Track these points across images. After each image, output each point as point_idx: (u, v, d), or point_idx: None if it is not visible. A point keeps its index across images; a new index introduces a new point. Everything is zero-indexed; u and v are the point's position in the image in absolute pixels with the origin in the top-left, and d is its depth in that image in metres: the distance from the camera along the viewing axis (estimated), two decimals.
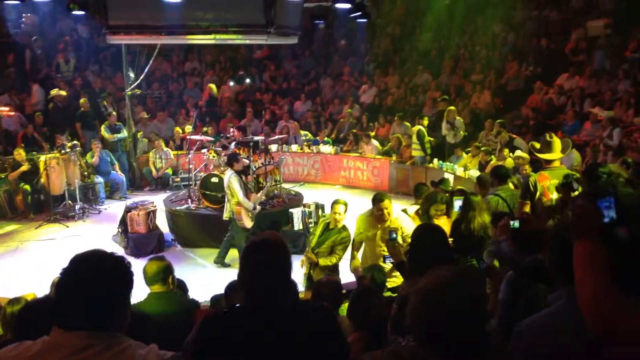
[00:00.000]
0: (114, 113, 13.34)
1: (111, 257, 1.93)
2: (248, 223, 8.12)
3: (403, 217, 5.91)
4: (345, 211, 6.17)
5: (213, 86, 16.38)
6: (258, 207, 8.42)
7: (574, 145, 9.17)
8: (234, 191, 8.02)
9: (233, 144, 10.37)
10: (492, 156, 10.72)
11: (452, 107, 12.58)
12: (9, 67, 15.15)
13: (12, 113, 13.42)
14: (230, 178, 8.06)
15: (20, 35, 16.03)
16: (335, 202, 6.22)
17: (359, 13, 10.20)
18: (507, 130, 11.60)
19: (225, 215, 8.41)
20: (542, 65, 14.06)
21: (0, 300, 4.93)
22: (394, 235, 4.52)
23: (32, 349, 1.81)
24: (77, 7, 9.53)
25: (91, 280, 1.84)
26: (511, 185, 6.46)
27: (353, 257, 6.05)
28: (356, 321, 2.98)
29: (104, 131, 12.99)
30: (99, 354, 1.79)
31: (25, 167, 11.10)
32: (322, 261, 6.08)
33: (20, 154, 11.24)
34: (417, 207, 6.38)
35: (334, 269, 6.20)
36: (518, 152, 9.95)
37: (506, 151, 10.38)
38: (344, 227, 6.16)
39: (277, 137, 13.14)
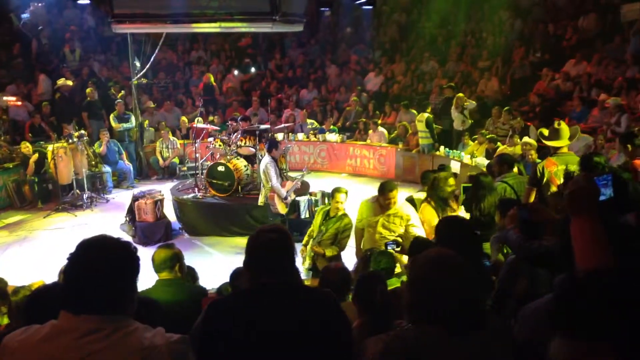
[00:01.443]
0: (121, 102, 13.35)
1: (118, 242, 1.96)
2: (282, 209, 8.18)
3: (407, 205, 5.90)
4: (346, 199, 6.18)
5: (210, 75, 16.36)
6: (292, 196, 8.44)
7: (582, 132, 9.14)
8: (269, 177, 8.07)
9: (236, 133, 10.33)
10: (499, 143, 10.66)
11: (460, 94, 12.50)
12: (15, 58, 15.20)
13: (20, 103, 13.47)
14: (267, 164, 8.10)
15: (26, 26, 16.05)
16: (336, 190, 6.22)
17: (365, 0, 10.14)
18: (514, 117, 11.53)
19: (260, 201, 8.49)
20: (549, 51, 13.95)
21: (9, 288, 4.97)
22: (390, 247, 4.56)
23: (41, 332, 1.84)
24: None
25: (98, 264, 1.87)
26: (516, 170, 6.44)
27: (358, 247, 6.06)
28: (361, 306, 2.99)
29: (112, 120, 13.03)
30: (107, 337, 1.82)
31: (35, 157, 11.15)
32: (329, 252, 6.09)
33: (27, 146, 11.30)
34: (423, 193, 6.37)
35: (337, 256, 6.22)
36: (525, 139, 9.90)
37: (516, 138, 10.33)
38: (345, 214, 6.18)
39: (283, 125, 13.14)
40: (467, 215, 5.57)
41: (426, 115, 12.32)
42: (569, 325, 1.57)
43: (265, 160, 8.15)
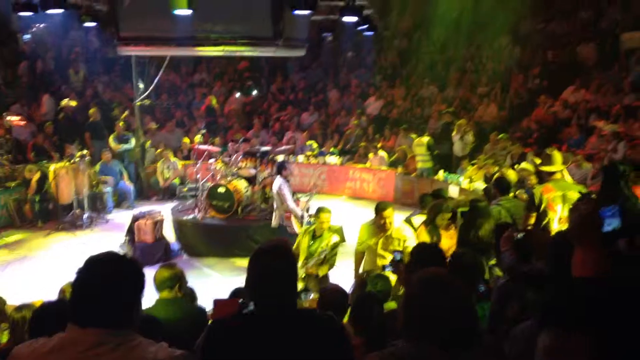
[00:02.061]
0: (121, 123, 13.44)
1: (124, 258, 2.04)
2: (299, 228, 8.24)
3: (405, 227, 5.97)
4: (330, 219, 6.36)
5: (213, 98, 16.54)
6: (307, 215, 8.52)
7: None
8: (283, 198, 8.14)
9: (237, 154, 10.46)
10: (497, 167, 10.75)
11: (463, 121, 12.65)
12: (20, 78, 15.37)
13: (23, 122, 13.58)
14: (280, 185, 8.19)
15: (31, 46, 16.26)
16: (321, 210, 6.36)
17: (366, 26, 10.31)
18: (512, 144, 11.64)
19: (274, 223, 8.52)
20: (548, 78, 14.11)
21: (8, 307, 5.00)
22: (399, 256, 4.58)
23: (48, 344, 1.91)
24: (89, 19, 9.75)
25: (105, 279, 1.94)
26: (511, 195, 6.52)
27: (356, 270, 6.11)
28: (358, 327, 3.03)
29: (112, 141, 13.12)
30: (112, 350, 1.88)
31: (37, 176, 11.21)
32: (322, 271, 6.17)
33: (31, 170, 11.37)
34: (422, 216, 6.44)
35: (326, 275, 6.32)
36: (523, 164, 9.98)
37: (505, 168, 10.38)
38: (329, 229, 6.31)
39: (284, 147, 13.24)
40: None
41: (426, 139, 12.45)
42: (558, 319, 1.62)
43: (278, 182, 8.26)
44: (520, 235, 3.67)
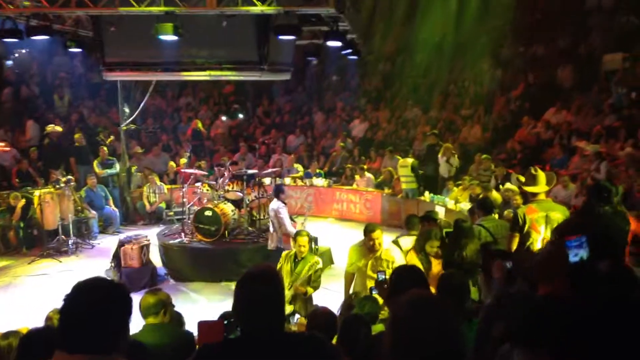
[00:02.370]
0: (105, 148, 13.40)
1: (112, 284, 2.06)
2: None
3: (393, 248, 6.01)
4: (308, 242, 6.43)
5: (199, 121, 16.61)
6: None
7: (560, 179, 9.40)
8: (281, 221, 8.16)
9: (223, 178, 10.47)
10: (481, 188, 10.85)
11: (449, 145, 12.80)
12: (3, 103, 15.32)
13: (7, 148, 13.50)
14: (278, 208, 8.21)
15: (15, 71, 16.25)
16: (298, 234, 6.44)
17: (350, 50, 10.45)
18: (496, 165, 11.79)
19: (272, 246, 8.51)
20: (530, 100, 14.36)
21: None
22: (382, 277, 4.61)
23: None
24: (74, 45, 9.77)
25: (93, 305, 1.95)
26: (495, 216, 6.58)
27: (346, 291, 6.13)
28: (345, 348, 3.04)
29: (96, 167, 13.05)
30: None
31: (22, 203, 11.12)
32: (310, 290, 6.28)
33: (17, 197, 11.28)
34: (409, 237, 6.48)
35: (310, 297, 6.37)
36: (507, 185, 10.10)
37: (490, 188, 10.48)
38: (309, 254, 6.41)
39: (270, 170, 13.28)
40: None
41: (410, 160, 12.58)
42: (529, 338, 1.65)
43: (276, 205, 8.29)
44: (509, 265, 3.75)
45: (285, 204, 8.49)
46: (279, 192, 8.57)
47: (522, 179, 6.15)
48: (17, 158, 13.42)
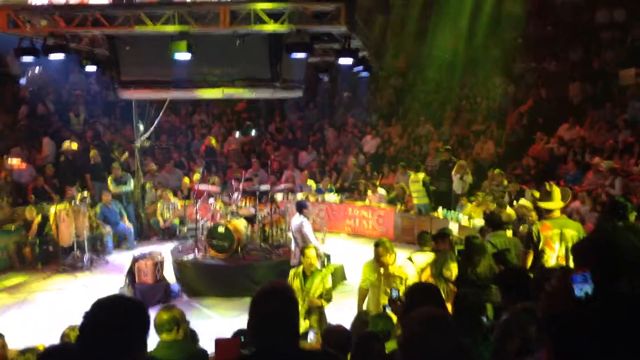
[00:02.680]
0: (116, 165, 13.51)
1: (130, 301, 2.10)
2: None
3: (407, 265, 6.00)
4: (316, 255, 6.50)
5: (213, 138, 16.75)
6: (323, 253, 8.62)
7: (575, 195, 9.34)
8: (306, 236, 8.20)
9: (236, 194, 10.54)
10: (495, 204, 10.81)
11: (462, 162, 12.78)
12: (20, 121, 15.56)
13: (24, 165, 13.68)
14: (302, 223, 8.25)
15: (31, 89, 16.53)
16: (306, 248, 6.51)
17: (362, 67, 10.52)
18: (509, 180, 11.73)
19: (294, 262, 8.52)
20: (542, 115, 14.33)
21: (9, 352, 4.97)
22: (396, 294, 4.61)
23: None
24: (90, 63, 9.95)
25: (112, 322, 1.99)
26: (509, 232, 6.54)
27: (359, 307, 6.13)
28: None
29: (110, 184, 13.15)
30: None
31: (38, 219, 11.25)
32: (324, 303, 6.31)
33: (30, 211, 11.43)
34: (423, 254, 6.47)
35: (324, 316, 6.45)
36: (522, 201, 10.05)
37: (504, 204, 10.42)
38: (317, 269, 6.48)
39: (283, 186, 13.32)
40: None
41: (421, 175, 12.57)
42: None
43: (300, 220, 8.32)
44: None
45: (308, 218, 8.50)
46: (302, 207, 8.59)
47: (537, 194, 6.12)
48: (33, 175, 13.59)
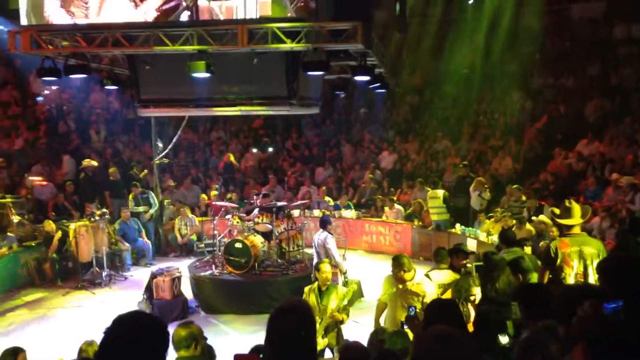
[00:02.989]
0: (138, 184, 13.63)
1: (150, 318, 2.11)
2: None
3: (426, 282, 5.97)
4: (331, 269, 6.45)
5: (231, 155, 16.89)
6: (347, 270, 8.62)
7: (594, 211, 9.22)
8: (330, 252, 8.21)
9: (256, 210, 10.61)
10: (514, 221, 10.72)
11: (481, 178, 12.73)
12: (41, 138, 15.83)
13: (45, 183, 13.88)
14: (327, 238, 8.27)
15: (51, 107, 16.83)
16: (320, 263, 6.49)
17: (378, 84, 10.56)
18: (527, 196, 11.63)
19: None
20: (561, 131, 14.23)
21: None
22: (413, 312, 4.58)
23: None
24: (110, 82, 10.13)
25: (132, 339, 2.02)
26: (528, 249, 6.47)
27: (376, 321, 6.10)
28: None
29: (130, 203, 13.27)
30: None
31: (58, 235, 11.39)
32: (345, 318, 6.25)
33: (50, 224, 11.59)
34: (440, 271, 6.42)
35: (341, 333, 6.39)
36: (541, 217, 9.97)
37: (524, 222, 10.32)
38: (332, 285, 6.38)
39: (299, 202, 13.35)
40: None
41: (441, 192, 12.51)
42: None
43: (323, 236, 8.34)
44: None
45: (332, 234, 8.50)
46: (325, 223, 8.60)
47: (557, 211, 6.05)
48: (53, 192, 13.78)
